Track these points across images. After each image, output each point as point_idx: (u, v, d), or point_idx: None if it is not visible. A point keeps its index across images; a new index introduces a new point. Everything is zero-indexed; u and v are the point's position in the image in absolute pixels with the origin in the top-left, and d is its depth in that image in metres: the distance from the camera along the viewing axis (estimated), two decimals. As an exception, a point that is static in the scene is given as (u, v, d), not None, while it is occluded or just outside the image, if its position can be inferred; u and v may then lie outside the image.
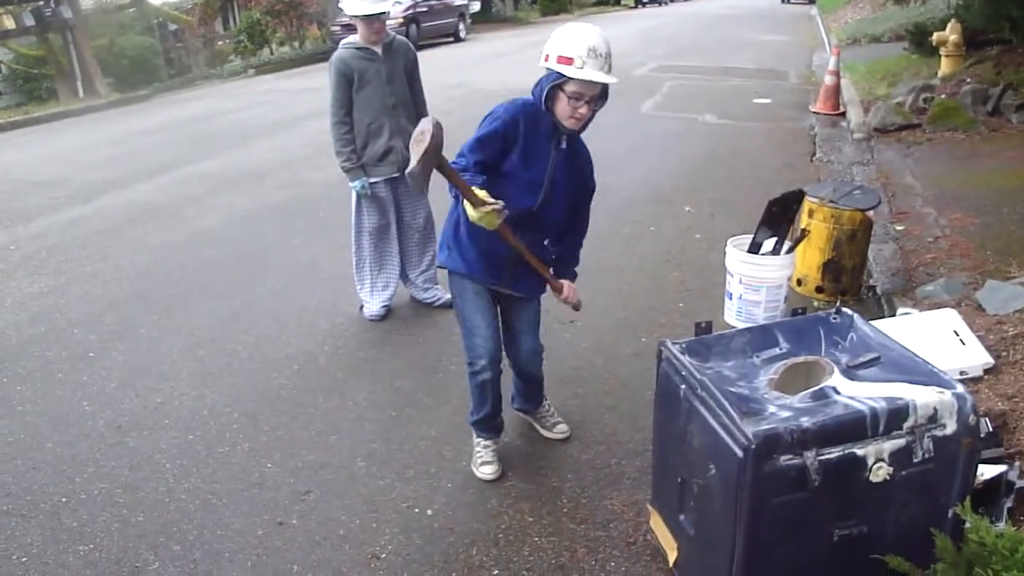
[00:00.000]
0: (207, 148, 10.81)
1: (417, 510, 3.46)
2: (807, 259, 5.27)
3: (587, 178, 3.55)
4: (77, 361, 4.91)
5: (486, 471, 3.64)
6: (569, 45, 3.06)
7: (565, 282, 3.56)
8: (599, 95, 3.18)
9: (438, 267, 3.66)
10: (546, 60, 3.11)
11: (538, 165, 3.28)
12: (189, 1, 23.08)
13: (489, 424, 3.69)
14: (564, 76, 3.07)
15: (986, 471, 3.02)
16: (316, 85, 7.00)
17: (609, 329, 5.01)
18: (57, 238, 7.29)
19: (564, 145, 3.32)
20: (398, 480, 3.66)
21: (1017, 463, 3.21)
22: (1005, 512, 2.93)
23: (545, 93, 3.15)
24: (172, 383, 4.60)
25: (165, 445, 4.00)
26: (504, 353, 3.62)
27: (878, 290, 5.35)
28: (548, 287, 3.54)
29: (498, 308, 3.60)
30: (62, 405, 4.41)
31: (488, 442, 3.71)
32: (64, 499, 3.61)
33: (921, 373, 2.53)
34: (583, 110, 3.15)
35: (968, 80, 10.49)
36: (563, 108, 3.16)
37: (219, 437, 4.06)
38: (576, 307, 3.65)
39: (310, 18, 24.41)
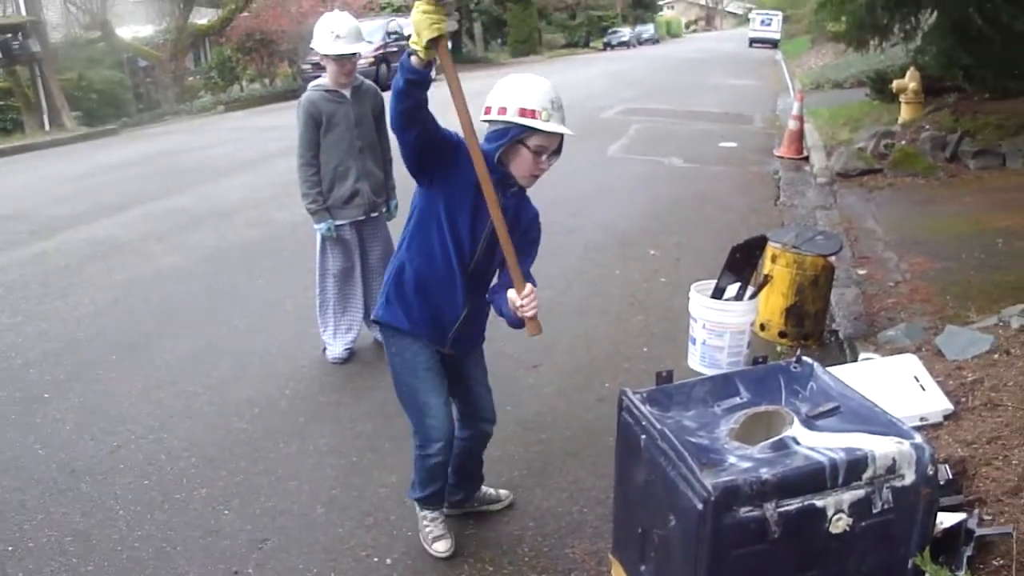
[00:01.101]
0: (174, 184, 10.74)
1: (376, 559, 3.40)
2: (770, 304, 5.30)
3: (526, 240, 3.16)
4: (31, 403, 4.81)
5: (440, 547, 3.38)
6: (531, 97, 2.88)
7: (529, 286, 3.00)
8: (557, 149, 3.01)
9: (373, 321, 3.30)
10: (501, 113, 2.89)
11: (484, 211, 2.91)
12: (160, 36, 23.08)
13: (437, 498, 3.41)
14: (528, 129, 2.87)
15: (946, 519, 3.02)
16: (285, 123, 7.01)
17: (573, 373, 5.00)
18: (16, 274, 7.18)
19: (511, 201, 3.02)
20: (358, 527, 3.61)
21: (976, 510, 3.22)
22: (965, 561, 2.92)
23: (503, 148, 2.92)
24: (129, 426, 4.52)
25: (119, 491, 3.91)
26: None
27: (840, 335, 5.40)
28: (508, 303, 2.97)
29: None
30: (13, 448, 4.31)
31: (435, 513, 3.43)
32: (10, 547, 3.50)
33: (880, 423, 2.53)
34: (545, 164, 2.98)
35: (927, 127, 10.70)
36: (525, 163, 2.96)
37: (176, 482, 3.98)
38: (533, 331, 3.00)
39: (281, 56, 24.50)
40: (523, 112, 2.86)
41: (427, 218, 3.02)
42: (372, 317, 3.30)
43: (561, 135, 2.96)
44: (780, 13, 49.44)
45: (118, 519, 3.69)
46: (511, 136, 2.89)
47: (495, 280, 3.16)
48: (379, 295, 3.22)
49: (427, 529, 3.42)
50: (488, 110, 2.95)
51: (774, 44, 45.35)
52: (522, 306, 2.93)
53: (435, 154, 2.90)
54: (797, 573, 2.38)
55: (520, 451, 4.08)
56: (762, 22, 50.24)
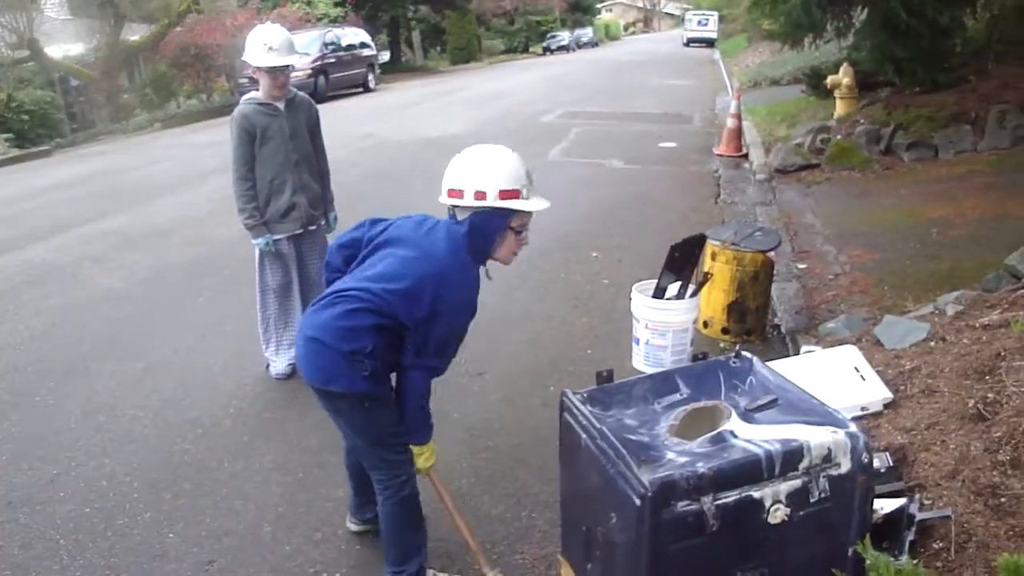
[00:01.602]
0: (110, 205, 10.54)
1: (325, 575, 3.37)
2: (712, 301, 5.35)
3: None
4: (-33, 433, 4.70)
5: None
6: (509, 175, 2.74)
7: None
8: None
9: (341, 393, 2.91)
10: (479, 199, 2.73)
11: None
12: (92, 54, 22.66)
13: (425, 536, 3.25)
14: (512, 212, 2.77)
15: (887, 505, 3.07)
16: (223, 138, 6.95)
17: (518, 379, 5.01)
18: (-51, 303, 7.00)
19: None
20: (306, 543, 3.57)
21: (917, 495, 3.28)
22: (907, 545, 2.98)
23: (496, 242, 2.84)
24: (69, 453, 4.42)
25: (60, 520, 3.83)
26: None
27: (782, 329, 5.47)
28: None
29: None
30: (-52, 481, 4.20)
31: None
32: (-52, 583, 3.43)
33: (817, 413, 2.57)
34: (527, 239, 2.93)
35: (862, 121, 10.89)
36: (510, 246, 2.88)
37: (119, 508, 3.91)
38: None
39: (217, 70, 24.17)
40: (505, 194, 2.74)
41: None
42: (350, 391, 2.88)
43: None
44: (716, 13, 50.64)
45: (59, 549, 3.62)
46: (499, 227, 2.79)
47: None
48: (353, 373, 2.85)
49: None
50: (457, 193, 2.76)
51: (711, 43, 46.09)
52: None
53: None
54: (738, 564, 2.40)
55: (467, 459, 4.08)
56: (699, 22, 51.00)
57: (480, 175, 2.73)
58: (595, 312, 5.98)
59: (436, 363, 2.90)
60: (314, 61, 22.45)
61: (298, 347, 2.95)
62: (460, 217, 2.79)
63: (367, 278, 2.84)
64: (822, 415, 2.56)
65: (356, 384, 2.84)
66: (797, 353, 4.90)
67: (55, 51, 22.18)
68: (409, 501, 3.06)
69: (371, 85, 26.12)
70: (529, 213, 2.82)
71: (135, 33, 24.23)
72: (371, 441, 3.02)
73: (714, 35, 48.47)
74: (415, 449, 2.98)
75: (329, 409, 3.01)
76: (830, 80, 12.32)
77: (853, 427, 2.47)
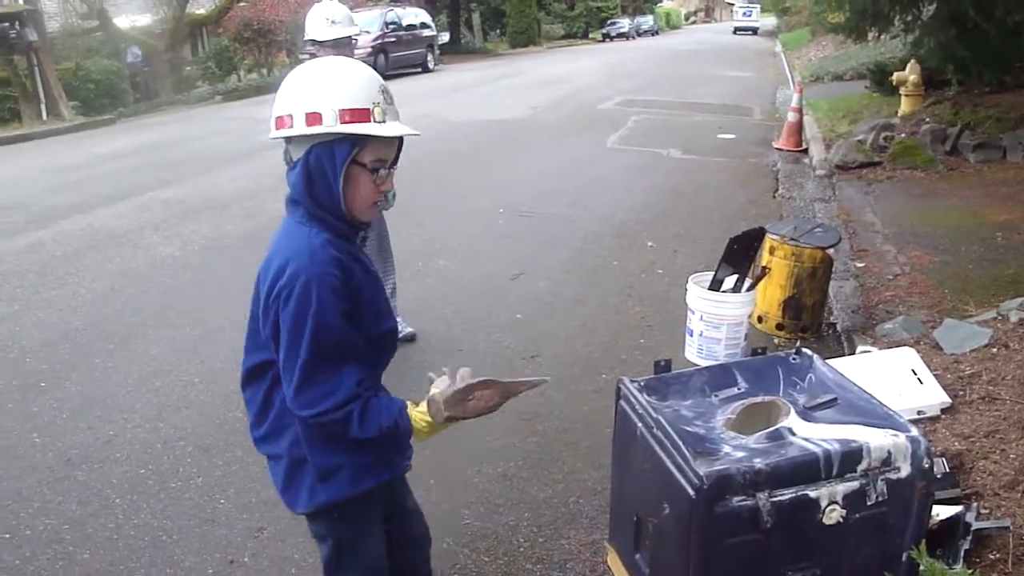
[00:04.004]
0: (171, 175, 10.72)
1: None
2: (768, 296, 5.29)
3: None
4: (28, 391, 4.81)
5: None
6: (356, 91, 1.99)
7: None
8: (395, 158, 2.13)
9: (317, 506, 2.23)
10: (312, 123, 1.96)
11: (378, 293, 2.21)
12: (158, 25, 23.01)
13: None
14: (364, 139, 1.98)
15: (942, 512, 3.02)
16: (282, 114, 7.07)
17: (570, 364, 5.00)
18: (13, 263, 7.17)
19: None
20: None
21: (974, 504, 3.23)
22: (961, 554, 2.93)
23: (340, 181, 2.00)
24: (125, 415, 4.52)
25: (116, 479, 3.91)
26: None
27: (838, 328, 5.39)
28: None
29: None
30: (10, 437, 4.31)
31: None
32: (7, 535, 3.51)
33: (877, 415, 2.53)
34: (388, 184, 2.10)
35: (927, 120, 10.68)
36: (364, 190, 2.05)
37: (172, 471, 3.98)
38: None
39: (279, 46, 24.46)
40: (348, 115, 1.96)
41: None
42: (307, 509, 2.27)
43: (400, 138, 2.09)
44: (758, 5, 60.76)
45: (114, 507, 3.70)
46: (343, 158, 1.98)
47: None
48: (298, 484, 2.24)
49: None
50: (284, 121, 2.00)
51: (754, 31, 54.18)
52: None
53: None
54: (790, 564, 2.38)
55: (517, 442, 4.08)
56: (744, 13, 59.52)
57: (314, 93, 1.97)
58: (649, 301, 5.94)
59: (301, 402, 2.03)
60: (375, 39, 22.60)
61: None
62: (295, 157, 2.04)
63: None
64: (883, 417, 2.52)
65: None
66: (852, 353, 4.83)
67: (122, 22, 22.55)
68: None
69: (430, 66, 26.23)
70: (387, 141, 2.03)
71: (201, 6, 24.55)
72: None
73: (757, 24, 56.15)
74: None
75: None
76: (896, 76, 12.09)
77: (914, 431, 2.42)
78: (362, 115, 1.97)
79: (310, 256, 1.99)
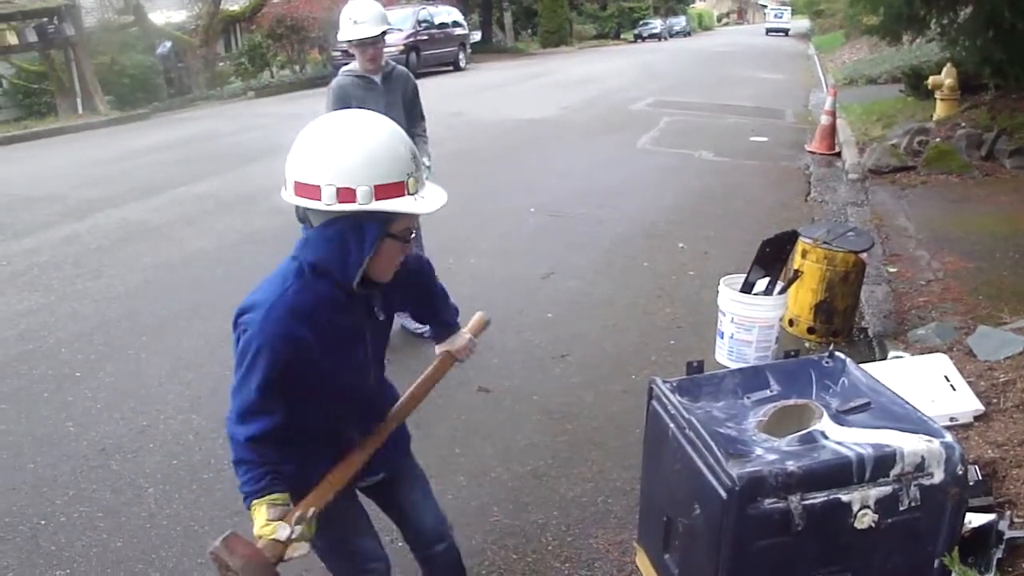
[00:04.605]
0: (204, 169, 10.82)
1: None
2: (799, 300, 5.26)
3: (425, 282, 2.50)
4: (63, 381, 4.88)
5: None
6: (391, 163, 1.90)
7: (445, 349, 2.56)
8: None
9: None
10: (346, 201, 1.87)
11: (354, 347, 2.16)
12: (192, 21, 23.22)
13: None
14: (394, 216, 1.94)
15: (975, 520, 3.00)
16: (314, 110, 7.06)
17: (600, 364, 5.00)
18: (49, 255, 7.27)
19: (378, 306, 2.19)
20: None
21: (1007, 512, 3.20)
22: (994, 563, 2.90)
23: (367, 256, 1.95)
24: (158, 406, 4.57)
25: (149, 469, 3.96)
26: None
27: (870, 332, 5.35)
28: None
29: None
30: (46, 426, 4.38)
31: None
32: (43, 521, 3.57)
33: (910, 420, 2.51)
34: (411, 245, 2.11)
35: (963, 124, 10.56)
36: (391, 257, 2.03)
37: (204, 463, 4.02)
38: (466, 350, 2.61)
39: (311, 42, 24.63)
40: (384, 191, 1.88)
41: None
42: None
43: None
44: (789, 7, 64.59)
45: (147, 497, 3.75)
46: (374, 236, 1.93)
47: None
48: None
49: None
50: (310, 192, 1.89)
51: (785, 32, 57.08)
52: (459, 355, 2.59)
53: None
54: (821, 567, 2.37)
55: (546, 440, 4.09)
56: (775, 15, 62.99)
57: (345, 166, 1.86)
58: (679, 303, 5.93)
59: (231, 421, 2.07)
60: (407, 37, 22.69)
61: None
62: (315, 223, 1.97)
63: None
64: (916, 422, 2.50)
65: None
66: (884, 358, 4.79)
67: (158, 17, 22.79)
68: None
69: (462, 64, 26.29)
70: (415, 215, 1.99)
71: (235, 3, 24.74)
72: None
73: (788, 26, 59.04)
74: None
75: None
76: (931, 80, 11.96)
77: (949, 437, 2.41)
78: (397, 190, 1.90)
79: (266, 317, 1.95)
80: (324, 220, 1.94)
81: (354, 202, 1.86)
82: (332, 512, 2.17)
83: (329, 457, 2.21)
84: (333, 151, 1.89)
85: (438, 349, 2.59)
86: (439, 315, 2.57)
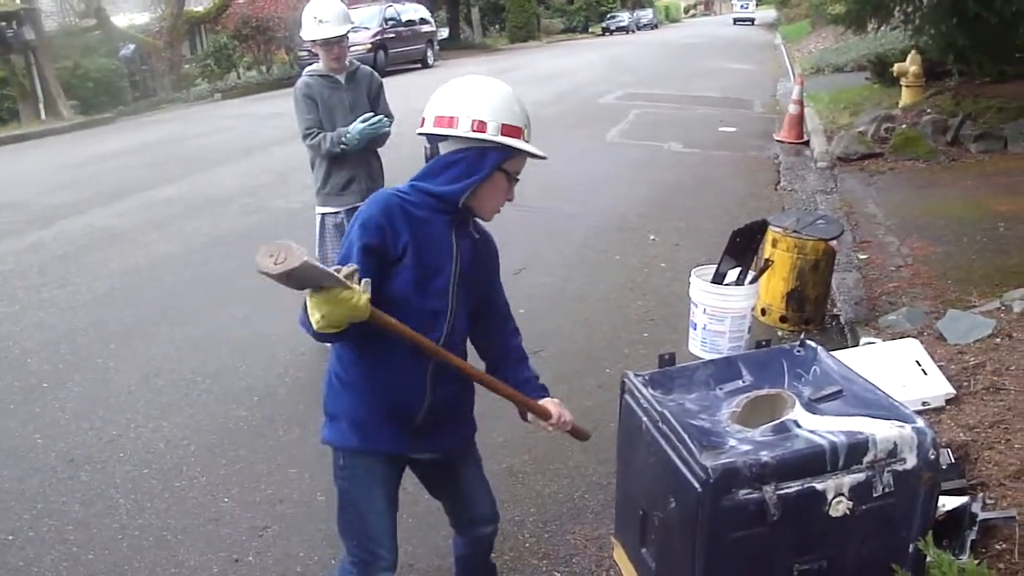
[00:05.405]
0: (171, 173, 10.71)
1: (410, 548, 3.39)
2: (771, 289, 5.28)
3: (495, 271, 2.55)
4: (30, 392, 4.81)
5: None
6: (515, 111, 2.27)
7: (547, 400, 2.57)
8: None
9: (322, 441, 2.48)
10: (478, 130, 2.19)
11: (438, 279, 2.28)
12: (156, 23, 22.99)
13: None
14: (513, 151, 2.26)
15: (948, 503, 3.02)
16: (282, 110, 6.97)
17: (573, 359, 4.99)
18: (14, 263, 7.16)
19: (475, 236, 2.40)
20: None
21: (980, 494, 3.22)
22: (968, 545, 2.92)
23: (478, 183, 2.25)
24: (128, 415, 4.51)
25: (119, 479, 3.90)
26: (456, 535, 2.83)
27: (841, 319, 5.38)
28: (523, 413, 2.59)
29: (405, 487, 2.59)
30: (12, 438, 4.30)
31: None
32: (10, 536, 3.50)
33: (882, 407, 2.52)
34: (513, 191, 2.39)
35: (928, 110, 10.66)
36: (499, 194, 2.33)
37: (176, 471, 3.97)
38: (581, 436, 2.76)
39: (277, 43, 24.45)
40: (508, 130, 2.23)
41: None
42: (322, 441, 2.49)
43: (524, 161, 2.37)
44: None
45: (118, 508, 3.69)
46: (493, 163, 2.25)
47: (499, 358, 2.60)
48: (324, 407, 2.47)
49: None
50: (448, 121, 2.22)
51: (751, 21, 59.43)
52: (557, 426, 2.57)
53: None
54: (797, 556, 2.37)
55: (521, 437, 4.07)
56: (741, 6, 66.59)
57: (481, 104, 2.22)
58: (652, 295, 5.93)
59: None
60: (373, 35, 22.57)
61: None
62: (444, 151, 2.27)
63: None
64: (888, 409, 2.50)
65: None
66: (856, 344, 4.82)
67: (120, 20, 22.54)
68: None
69: (430, 61, 26.20)
70: (525, 158, 2.33)
71: (199, 4, 24.52)
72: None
73: (754, 16, 61.99)
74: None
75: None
76: (897, 68, 12.06)
77: (920, 422, 2.41)
78: (517, 132, 2.26)
79: (374, 198, 2.26)
80: (454, 148, 2.25)
81: (485, 132, 2.20)
82: (371, 479, 2.40)
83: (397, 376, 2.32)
84: (474, 91, 2.26)
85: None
86: (492, 344, 2.62)
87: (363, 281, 1.99)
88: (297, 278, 1.88)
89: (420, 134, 2.29)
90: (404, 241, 2.21)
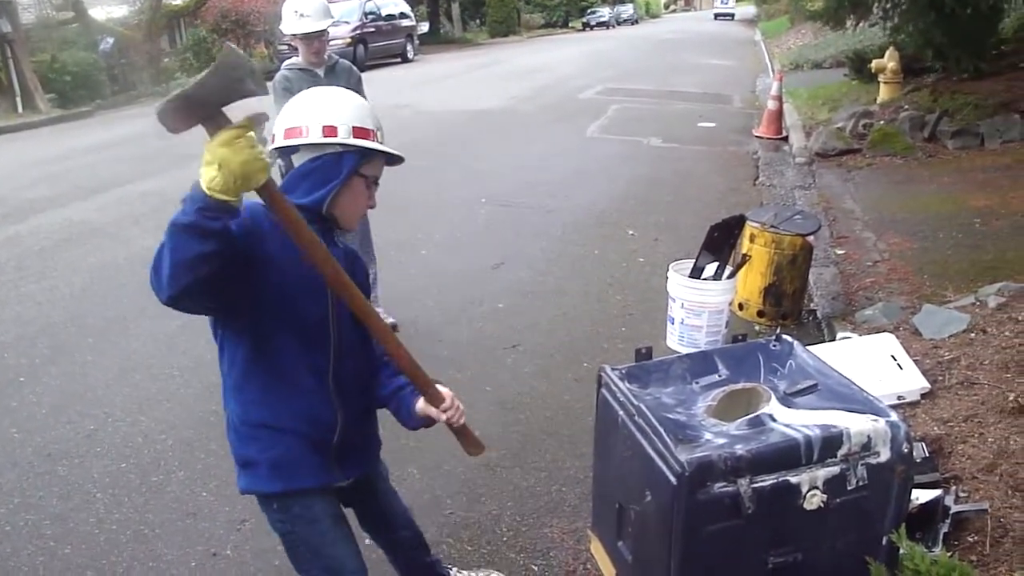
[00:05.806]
0: (149, 167, 10.61)
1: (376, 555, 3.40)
2: (748, 284, 5.31)
3: (366, 289, 2.37)
4: (6, 386, 4.77)
5: None
6: (364, 115, 2.22)
7: (443, 389, 2.40)
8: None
9: (243, 492, 2.43)
10: (329, 135, 2.15)
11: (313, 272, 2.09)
12: (134, 16, 22.78)
13: None
14: (366, 155, 2.20)
15: (922, 496, 3.05)
16: (261, 105, 7.00)
17: (552, 353, 5.00)
18: (-10, 258, 7.11)
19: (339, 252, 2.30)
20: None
21: (953, 487, 3.26)
22: (941, 537, 2.96)
23: (338, 187, 2.18)
24: (106, 409, 4.49)
25: (97, 474, 3.89)
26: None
27: (818, 314, 5.42)
28: (420, 409, 2.39)
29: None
30: (-11, 433, 4.28)
31: None
32: (-13, 531, 3.49)
33: (857, 401, 2.54)
34: (374, 198, 2.32)
35: (906, 107, 10.73)
36: (359, 199, 2.27)
37: (154, 465, 3.96)
38: (472, 444, 2.58)
39: (257, 37, 24.23)
40: (360, 132, 2.19)
41: (258, 344, 2.23)
42: (241, 490, 2.42)
43: (382, 166, 2.33)
44: None
45: (96, 502, 3.68)
46: (350, 167, 2.19)
47: (378, 372, 2.46)
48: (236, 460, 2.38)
49: None
50: (298, 131, 2.17)
51: (732, 16, 59.31)
52: (448, 420, 2.40)
53: (237, 273, 2.08)
54: (772, 549, 2.39)
55: (499, 431, 4.08)
56: (722, 2, 64.27)
57: (329, 110, 2.19)
58: (630, 290, 5.96)
59: None
60: (353, 30, 22.45)
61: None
62: (296, 164, 2.22)
63: None
64: (863, 402, 2.53)
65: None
66: (832, 339, 4.86)
67: (98, 13, 22.34)
68: None
69: (410, 56, 26.08)
70: (383, 161, 2.29)
71: (177, -3, 24.34)
72: None
73: (734, 11, 61.43)
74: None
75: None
76: (875, 64, 12.13)
77: (894, 416, 2.44)
78: (369, 134, 2.21)
79: (250, 209, 2.10)
80: (308, 157, 2.19)
81: (336, 136, 2.16)
82: (310, 515, 2.34)
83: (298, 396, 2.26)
84: (321, 100, 2.24)
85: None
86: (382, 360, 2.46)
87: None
88: (209, 85, 1.81)
89: (272, 150, 2.21)
90: (272, 250, 2.11)
